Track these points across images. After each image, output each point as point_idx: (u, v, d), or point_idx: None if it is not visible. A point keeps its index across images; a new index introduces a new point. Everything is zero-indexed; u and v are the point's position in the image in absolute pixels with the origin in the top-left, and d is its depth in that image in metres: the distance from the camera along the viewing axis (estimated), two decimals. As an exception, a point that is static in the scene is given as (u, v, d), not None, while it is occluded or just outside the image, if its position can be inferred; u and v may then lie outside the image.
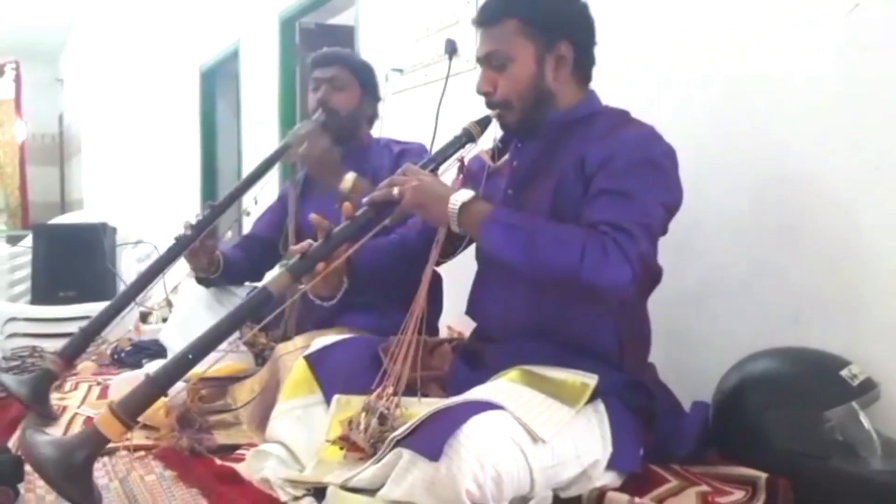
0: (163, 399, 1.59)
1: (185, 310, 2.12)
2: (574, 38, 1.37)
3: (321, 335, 1.54)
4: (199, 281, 2.07)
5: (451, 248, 1.44)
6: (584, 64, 1.41)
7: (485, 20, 1.39)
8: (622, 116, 1.40)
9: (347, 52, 2.15)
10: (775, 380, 1.35)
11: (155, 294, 2.95)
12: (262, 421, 1.51)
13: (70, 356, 1.86)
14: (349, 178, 1.80)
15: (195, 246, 1.92)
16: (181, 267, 2.02)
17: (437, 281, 1.85)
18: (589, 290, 1.20)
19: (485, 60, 1.39)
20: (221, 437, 1.60)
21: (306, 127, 1.98)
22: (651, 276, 1.31)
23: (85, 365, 2.27)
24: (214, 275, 2.02)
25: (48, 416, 1.80)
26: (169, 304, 2.07)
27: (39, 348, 2.60)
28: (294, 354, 1.54)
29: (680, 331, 1.68)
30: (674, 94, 1.76)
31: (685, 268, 1.67)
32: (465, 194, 1.27)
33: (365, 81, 2.07)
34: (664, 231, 1.32)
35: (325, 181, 1.95)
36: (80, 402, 2.01)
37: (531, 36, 1.35)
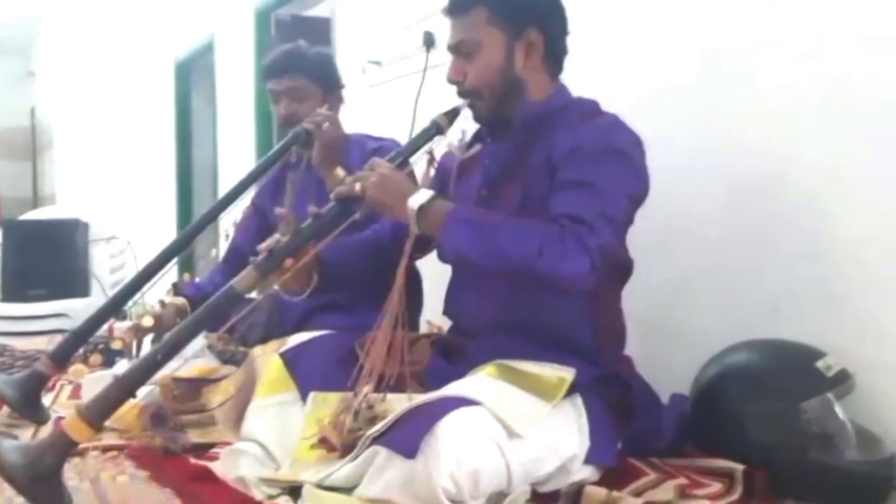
0: (134, 401, 1.57)
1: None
2: (543, 25, 1.37)
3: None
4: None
5: (426, 243, 1.42)
6: (555, 52, 1.40)
7: (454, 9, 1.39)
8: (591, 108, 1.40)
9: (297, 53, 2.03)
10: (752, 372, 1.36)
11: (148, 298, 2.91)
12: (237, 421, 1.49)
13: (61, 359, 1.80)
14: (339, 173, 1.77)
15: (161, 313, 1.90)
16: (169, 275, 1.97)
17: (415, 278, 1.83)
18: (547, 281, 1.19)
19: (454, 49, 1.39)
20: (196, 436, 1.58)
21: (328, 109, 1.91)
22: (616, 266, 1.30)
23: (76, 368, 2.23)
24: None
25: (40, 421, 1.74)
26: (163, 304, 2.02)
27: (10, 347, 2.55)
28: (268, 357, 1.52)
29: (657, 324, 1.69)
30: (649, 89, 1.76)
31: (661, 261, 1.67)
32: (424, 195, 1.25)
33: (323, 79, 1.99)
34: (630, 220, 1.32)
35: (327, 168, 1.85)
36: (52, 401, 1.97)
37: (499, 24, 1.35)
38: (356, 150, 1.96)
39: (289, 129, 1.95)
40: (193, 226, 1.89)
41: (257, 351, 1.65)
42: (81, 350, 2.08)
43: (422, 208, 1.23)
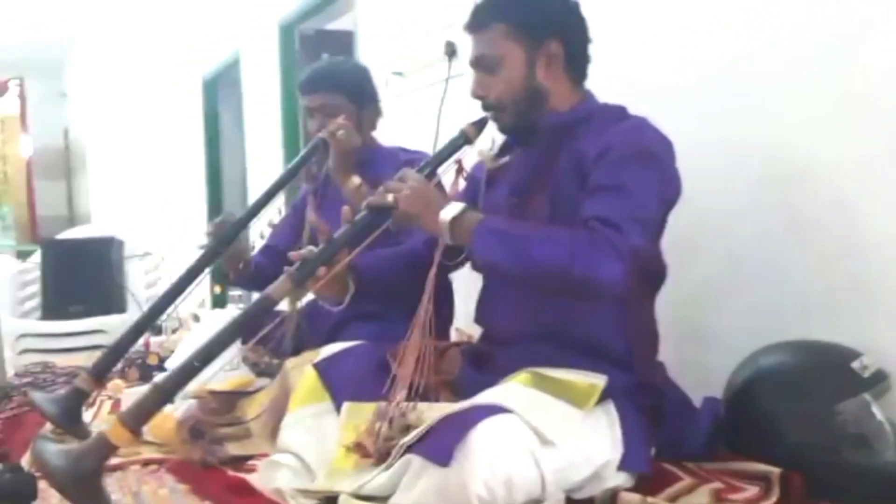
0: (172, 415, 1.60)
1: (205, 332, 2.11)
2: (563, 36, 1.38)
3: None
4: (228, 281, 2.06)
5: (457, 254, 1.43)
6: (577, 61, 1.41)
7: (474, 26, 1.41)
8: (618, 112, 1.40)
9: (329, 70, 2.05)
10: (786, 374, 1.34)
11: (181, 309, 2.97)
12: (273, 432, 1.51)
13: (100, 373, 1.82)
14: (355, 180, 1.79)
15: (230, 251, 1.91)
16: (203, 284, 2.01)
17: (447, 289, 1.84)
18: (583, 287, 1.19)
19: (476, 64, 1.41)
20: (233, 449, 1.60)
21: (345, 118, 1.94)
22: (649, 270, 1.29)
23: (115, 383, 2.27)
24: (245, 276, 2.01)
25: (82, 437, 1.77)
26: (196, 318, 2.07)
27: (52, 364, 2.61)
28: (301, 369, 1.54)
29: (688, 328, 1.67)
30: (674, 89, 1.75)
31: (691, 265, 1.66)
32: (455, 208, 1.26)
33: (356, 95, 1.99)
34: (662, 223, 1.32)
35: (341, 176, 1.92)
36: (93, 417, 2.02)
37: (519, 38, 1.36)
38: (390, 162, 1.97)
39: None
40: (223, 236, 1.92)
41: (290, 363, 1.68)
42: (119, 365, 2.12)
43: (454, 220, 1.25)
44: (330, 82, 1.99)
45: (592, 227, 1.20)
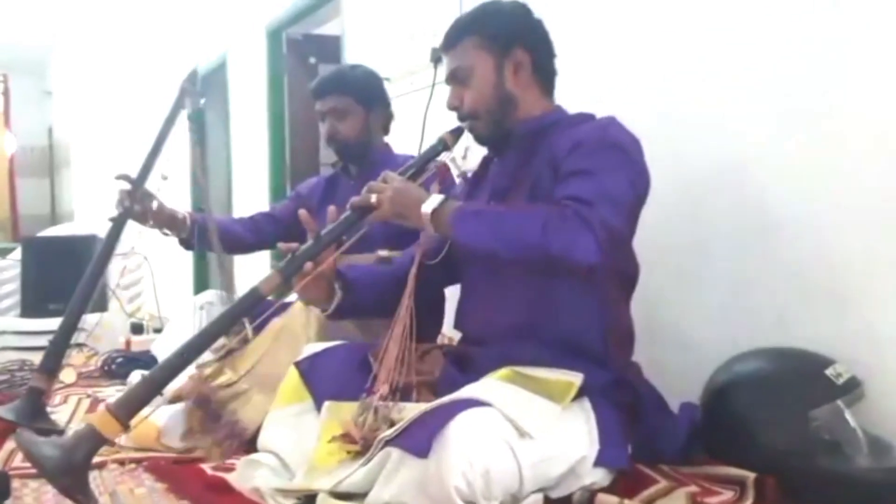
0: (156, 424, 1.60)
1: (179, 323, 2.12)
2: (528, 44, 1.45)
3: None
4: (181, 242, 2.12)
5: (438, 253, 1.45)
6: (544, 70, 1.48)
7: (447, 45, 1.49)
8: (587, 116, 1.47)
9: (342, 74, 2.14)
10: (761, 380, 1.36)
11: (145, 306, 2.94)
12: (267, 382, 1.55)
13: (50, 368, 1.85)
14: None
15: (138, 210, 1.97)
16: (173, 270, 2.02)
17: (439, 301, 1.85)
18: (558, 259, 1.21)
19: (451, 78, 1.49)
20: (242, 411, 1.60)
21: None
22: (618, 244, 1.29)
23: (66, 372, 2.27)
24: (183, 236, 2.07)
25: (53, 431, 1.77)
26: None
27: (29, 362, 2.58)
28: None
29: (665, 335, 1.69)
30: (648, 99, 1.78)
31: (668, 270, 1.68)
32: (436, 199, 1.31)
33: (366, 99, 2.07)
34: (635, 216, 1.34)
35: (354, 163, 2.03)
36: (71, 415, 2.01)
37: (487, 47, 1.44)
38: (398, 164, 2.00)
39: (332, 145, 2.08)
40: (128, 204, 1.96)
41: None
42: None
43: (434, 212, 1.29)
44: (339, 86, 2.06)
45: (565, 204, 1.24)
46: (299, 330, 1.75)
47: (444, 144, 1.48)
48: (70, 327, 1.88)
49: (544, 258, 1.22)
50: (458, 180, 1.71)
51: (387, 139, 2.15)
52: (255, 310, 1.39)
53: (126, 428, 1.24)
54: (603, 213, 1.21)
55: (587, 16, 1.93)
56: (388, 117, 2.13)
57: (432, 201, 1.31)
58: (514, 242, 1.24)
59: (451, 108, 1.49)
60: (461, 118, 1.48)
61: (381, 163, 2.01)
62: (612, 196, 1.25)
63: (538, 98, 1.47)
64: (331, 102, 2.05)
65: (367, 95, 2.08)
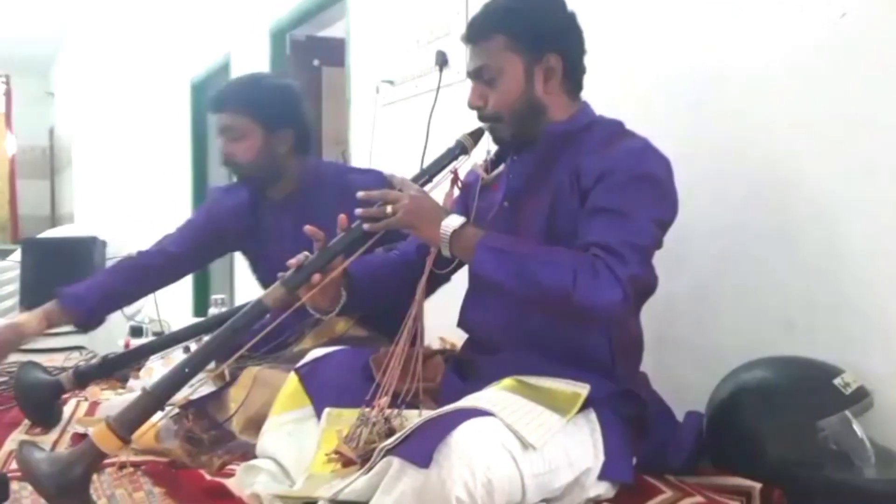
0: (154, 424, 1.58)
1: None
2: (562, 49, 1.38)
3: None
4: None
5: (449, 264, 1.42)
6: (573, 74, 1.41)
7: (473, 37, 1.40)
8: (616, 128, 1.41)
9: (241, 88, 1.84)
10: (768, 389, 1.35)
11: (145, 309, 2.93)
12: (252, 422, 1.52)
13: (83, 379, 1.85)
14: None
15: None
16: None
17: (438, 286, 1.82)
18: (581, 311, 1.21)
19: (475, 75, 1.40)
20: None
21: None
22: (642, 295, 1.32)
23: (92, 389, 2.26)
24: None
25: (49, 424, 1.76)
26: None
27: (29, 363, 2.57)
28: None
29: (672, 341, 1.68)
30: (659, 104, 1.76)
31: (675, 278, 1.66)
32: (456, 220, 1.27)
33: (267, 118, 1.78)
34: (658, 245, 1.33)
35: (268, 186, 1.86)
36: (69, 418, 1.99)
37: (519, 50, 1.36)
38: (329, 191, 1.81)
39: (229, 167, 1.84)
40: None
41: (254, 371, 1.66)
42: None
43: (455, 233, 1.26)
44: (236, 102, 1.79)
45: (594, 253, 1.21)
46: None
47: (463, 148, 1.43)
48: (130, 360, 1.92)
49: (566, 305, 1.20)
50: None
51: (337, 153, 1.97)
52: (258, 322, 1.34)
53: (126, 443, 1.22)
54: (632, 269, 1.20)
55: (605, 14, 1.87)
56: (300, 138, 1.84)
57: (452, 222, 1.27)
58: (538, 290, 1.22)
59: (473, 107, 1.41)
60: (482, 119, 1.42)
61: (305, 186, 1.83)
62: (640, 246, 1.24)
63: (566, 103, 1.41)
64: (225, 120, 1.78)
65: (268, 115, 1.78)
